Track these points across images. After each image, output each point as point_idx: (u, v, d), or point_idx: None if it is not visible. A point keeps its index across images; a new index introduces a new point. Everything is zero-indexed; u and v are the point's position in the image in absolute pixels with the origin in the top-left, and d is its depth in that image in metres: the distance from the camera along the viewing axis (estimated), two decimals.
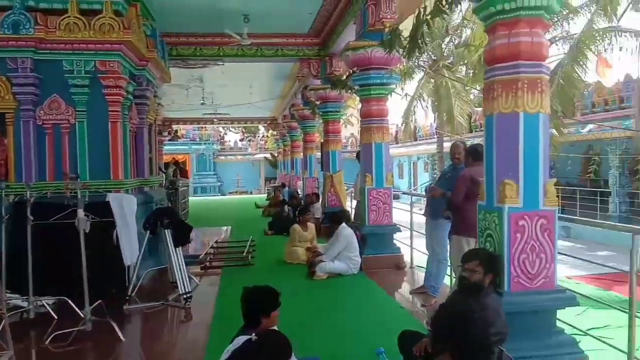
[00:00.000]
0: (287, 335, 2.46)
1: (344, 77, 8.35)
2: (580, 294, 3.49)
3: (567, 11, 12.26)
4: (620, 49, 13.76)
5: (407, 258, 6.77)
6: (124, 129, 5.79)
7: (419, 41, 4.67)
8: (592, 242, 14.35)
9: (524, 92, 3.03)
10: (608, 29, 12.34)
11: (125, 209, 4.95)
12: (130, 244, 4.95)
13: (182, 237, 5.32)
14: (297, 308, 4.83)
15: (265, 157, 34.01)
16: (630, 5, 11.44)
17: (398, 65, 10.26)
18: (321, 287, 5.79)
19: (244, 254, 7.31)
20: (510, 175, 3.11)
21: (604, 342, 3.57)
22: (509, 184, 3.10)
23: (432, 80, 17.96)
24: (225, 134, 38.01)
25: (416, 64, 17.52)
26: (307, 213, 7.34)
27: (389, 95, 6.96)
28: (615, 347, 3.32)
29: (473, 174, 4.25)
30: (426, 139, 29.22)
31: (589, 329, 6.75)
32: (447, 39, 17.77)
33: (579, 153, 18.08)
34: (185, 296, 4.92)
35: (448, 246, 4.86)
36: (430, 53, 18.09)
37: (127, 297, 4.92)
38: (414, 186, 29.29)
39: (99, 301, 4.22)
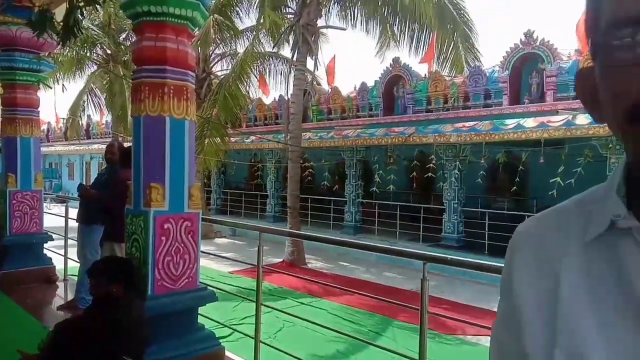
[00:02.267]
0: None
1: None
2: (221, 290, 3.75)
3: (232, 33, 13.57)
4: (278, 72, 16.24)
5: (60, 269, 6.07)
6: None
7: (74, 29, 4.28)
8: (254, 238, 16.23)
9: (170, 98, 3.08)
10: (268, 53, 14.33)
11: None
12: None
13: None
14: None
15: None
16: (283, 36, 13.55)
17: (60, 51, 9.17)
18: None
19: None
20: (157, 179, 3.12)
21: (238, 331, 3.98)
22: (155, 187, 3.09)
23: (107, 76, 16.87)
24: None
25: (87, 55, 16.13)
26: None
27: (45, 84, 6.12)
28: (245, 334, 3.72)
29: (129, 177, 4.11)
30: (101, 138, 27.32)
31: (243, 318, 7.58)
32: (123, 35, 17.01)
33: (246, 160, 20.31)
34: None
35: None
36: (105, 47, 17.00)
37: None
38: None
39: None
